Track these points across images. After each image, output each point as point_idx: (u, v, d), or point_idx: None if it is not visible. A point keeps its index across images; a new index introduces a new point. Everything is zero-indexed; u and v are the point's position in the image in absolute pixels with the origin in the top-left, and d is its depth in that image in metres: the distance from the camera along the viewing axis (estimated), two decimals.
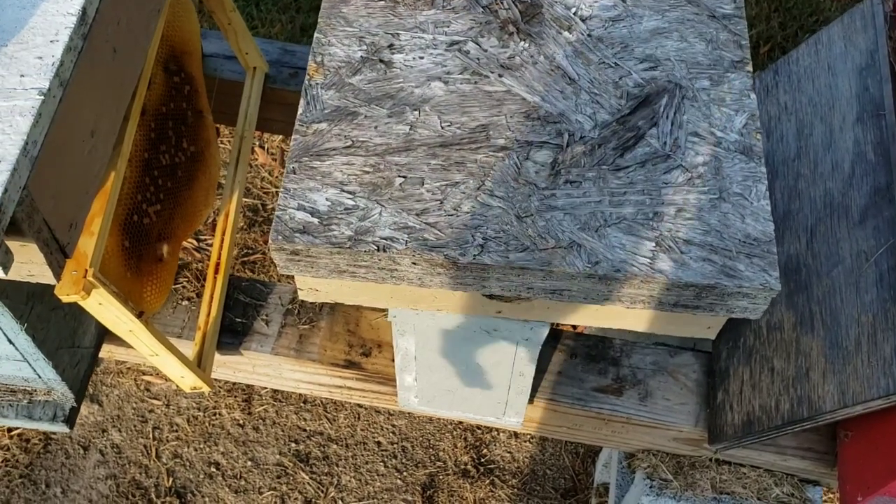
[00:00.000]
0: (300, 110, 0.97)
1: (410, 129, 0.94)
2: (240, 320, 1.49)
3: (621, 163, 0.91)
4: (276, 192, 2.45)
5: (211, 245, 2.26)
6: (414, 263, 0.87)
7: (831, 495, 2.08)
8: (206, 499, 1.96)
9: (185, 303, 1.50)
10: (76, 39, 0.96)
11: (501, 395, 1.32)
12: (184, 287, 1.52)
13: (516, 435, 2.10)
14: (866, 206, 1.27)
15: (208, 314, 1.43)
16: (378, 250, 0.86)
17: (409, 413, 2.11)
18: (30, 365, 1.26)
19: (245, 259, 2.30)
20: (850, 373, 1.18)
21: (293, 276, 0.97)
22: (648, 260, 0.85)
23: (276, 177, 2.47)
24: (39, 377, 1.30)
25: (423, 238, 0.87)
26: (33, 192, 0.90)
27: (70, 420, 1.37)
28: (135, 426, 2.05)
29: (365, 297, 0.99)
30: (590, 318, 0.97)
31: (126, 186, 1.24)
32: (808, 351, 1.27)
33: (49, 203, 0.94)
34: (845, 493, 1.31)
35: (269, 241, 0.88)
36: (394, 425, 2.09)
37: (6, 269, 0.87)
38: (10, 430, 2.02)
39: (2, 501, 1.92)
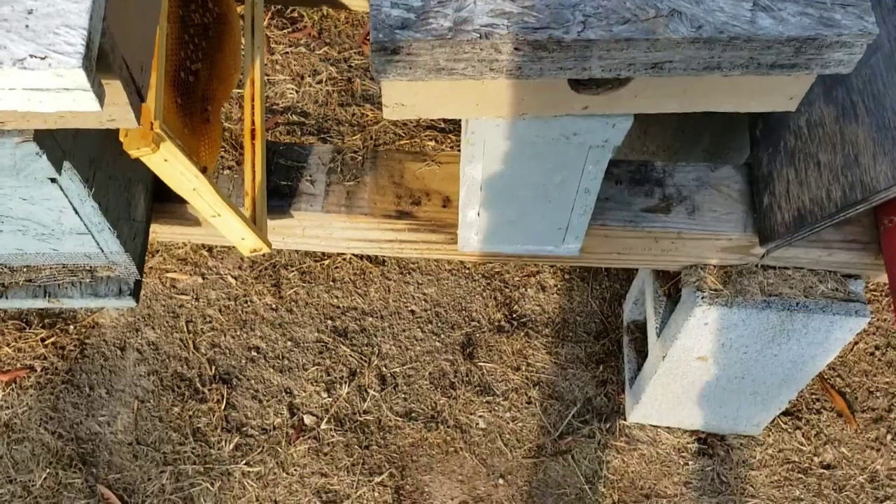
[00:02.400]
0: None
1: None
2: (284, 183, 1.48)
3: None
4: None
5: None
6: (516, 49, 0.87)
7: (872, 286, 2.17)
8: (252, 381, 1.99)
9: (226, 171, 1.48)
10: None
11: (563, 217, 1.34)
12: (222, 157, 1.50)
13: (543, 289, 2.15)
14: None
15: (253, 179, 1.42)
16: (480, 38, 0.86)
17: (437, 281, 2.14)
18: (93, 237, 1.24)
19: None
20: None
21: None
22: (748, 19, 0.87)
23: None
24: (102, 251, 1.28)
25: (524, 21, 0.87)
26: (111, 26, 0.88)
27: (136, 294, 1.36)
28: (167, 322, 2.05)
29: (452, 106, 0.99)
30: (677, 100, 0.99)
31: (169, 42, 1.21)
32: (853, 139, 1.31)
33: (123, 39, 0.92)
34: (893, 276, 1.38)
35: (370, 41, 0.87)
36: (424, 293, 2.12)
37: (101, 101, 0.86)
38: (43, 339, 2.00)
39: (49, 406, 1.91)
